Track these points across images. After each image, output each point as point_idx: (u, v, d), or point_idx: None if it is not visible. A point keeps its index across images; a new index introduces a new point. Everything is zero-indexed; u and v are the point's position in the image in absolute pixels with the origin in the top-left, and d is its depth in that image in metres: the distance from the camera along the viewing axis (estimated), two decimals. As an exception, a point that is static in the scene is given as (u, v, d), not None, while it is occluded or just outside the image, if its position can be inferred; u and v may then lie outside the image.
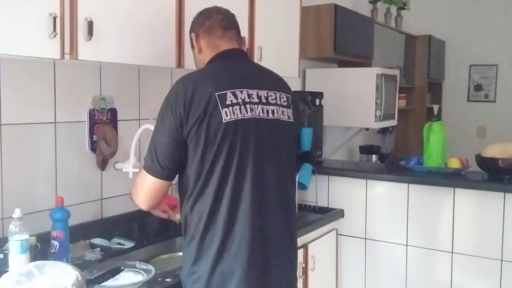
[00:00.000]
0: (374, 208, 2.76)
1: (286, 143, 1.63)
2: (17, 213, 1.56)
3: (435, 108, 5.27)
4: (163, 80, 2.35)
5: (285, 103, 1.64)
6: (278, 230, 1.59)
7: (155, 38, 1.89)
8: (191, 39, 1.73)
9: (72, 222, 1.78)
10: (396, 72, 3.82)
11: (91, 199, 2.08)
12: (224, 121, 1.48)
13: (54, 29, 1.53)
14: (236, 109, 1.51)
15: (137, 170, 2.09)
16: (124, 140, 2.17)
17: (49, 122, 1.92)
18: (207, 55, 1.67)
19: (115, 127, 2.14)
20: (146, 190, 1.56)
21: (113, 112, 2.13)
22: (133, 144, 2.07)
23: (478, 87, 5.37)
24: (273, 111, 1.59)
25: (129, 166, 2.07)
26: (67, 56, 1.60)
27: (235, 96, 1.52)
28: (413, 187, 2.65)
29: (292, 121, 1.64)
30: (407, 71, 4.79)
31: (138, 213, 2.25)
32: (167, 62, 1.96)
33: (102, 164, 2.08)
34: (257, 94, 1.57)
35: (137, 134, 2.08)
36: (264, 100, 1.58)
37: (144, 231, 2.19)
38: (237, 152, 1.50)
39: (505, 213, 2.43)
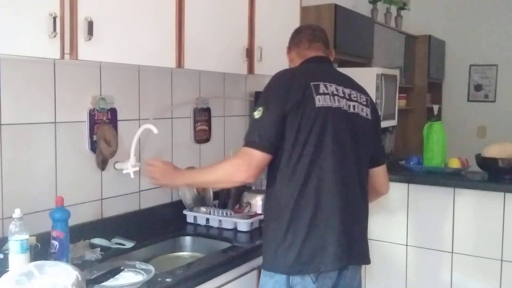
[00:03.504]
0: (374, 208, 2.75)
1: (363, 135, 1.83)
2: (17, 213, 1.56)
3: (435, 108, 5.27)
4: (163, 80, 2.35)
5: (364, 103, 1.87)
6: (356, 204, 1.80)
7: (155, 38, 1.89)
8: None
9: (72, 222, 1.78)
10: (396, 72, 3.81)
11: (91, 199, 2.08)
12: (317, 106, 1.71)
13: (54, 29, 1.53)
14: (326, 98, 1.74)
15: (137, 169, 2.09)
16: (124, 140, 2.16)
17: (49, 122, 1.92)
18: (296, 64, 1.93)
19: (115, 127, 2.14)
20: (254, 165, 1.70)
21: (113, 112, 2.13)
22: (133, 144, 2.07)
23: (478, 87, 5.37)
24: (354, 106, 1.81)
25: (129, 166, 2.07)
26: (67, 56, 1.60)
27: (326, 88, 1.76)
28: (413, 187, 2.65)
29: (370, 118, 1.87)
30: (407, 71, 4.79)
31: (138, 213, 2.26)
32: (167, 62, 1.96)
33: (102, 164, 2.08)
34: (342, 90, 1.81)
35: (137, 134, 2.08)
36: (347, 96, 1.81)
37: (144, 231, 2.19)
38: (329, 132, 1.71)
39: (505, 213, 2.43)
